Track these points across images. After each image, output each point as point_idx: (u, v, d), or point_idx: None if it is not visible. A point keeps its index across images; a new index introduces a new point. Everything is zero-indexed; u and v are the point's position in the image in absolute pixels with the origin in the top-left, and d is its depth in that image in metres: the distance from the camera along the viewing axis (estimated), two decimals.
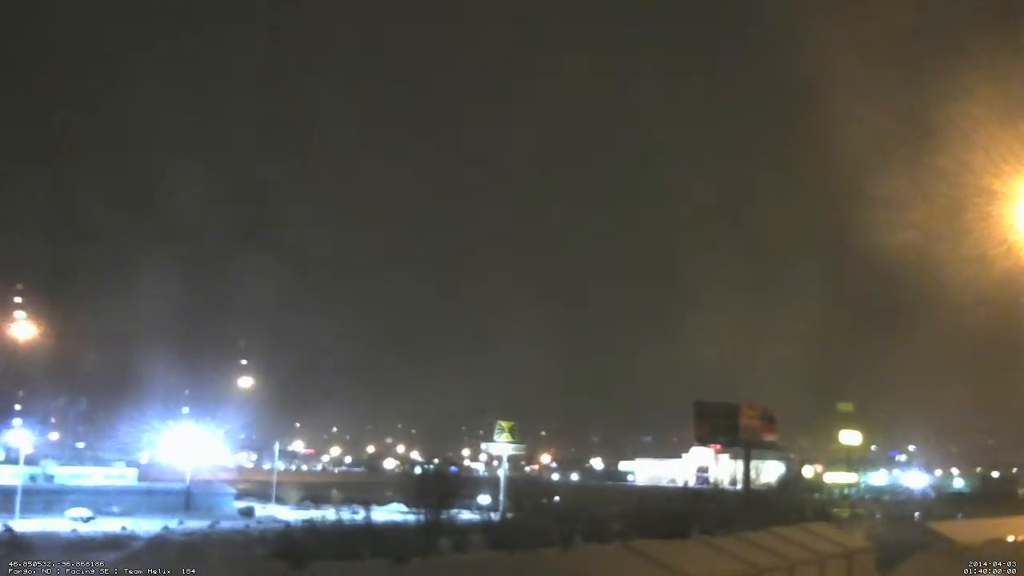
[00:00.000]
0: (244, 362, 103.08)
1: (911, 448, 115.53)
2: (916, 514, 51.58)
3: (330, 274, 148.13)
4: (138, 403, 78.74)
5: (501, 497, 50.91)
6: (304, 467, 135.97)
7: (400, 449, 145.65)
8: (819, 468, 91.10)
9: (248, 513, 57.29)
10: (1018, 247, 23.25)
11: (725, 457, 75.01)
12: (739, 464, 50.29)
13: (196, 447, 71.59)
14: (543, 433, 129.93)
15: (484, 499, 47.73)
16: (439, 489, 20.17)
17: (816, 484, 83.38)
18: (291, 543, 15.67)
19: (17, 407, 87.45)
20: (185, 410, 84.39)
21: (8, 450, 70.69)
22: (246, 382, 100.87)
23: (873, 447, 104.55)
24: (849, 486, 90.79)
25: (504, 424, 70.37)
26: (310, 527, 18.05)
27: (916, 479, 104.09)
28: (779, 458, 63.24)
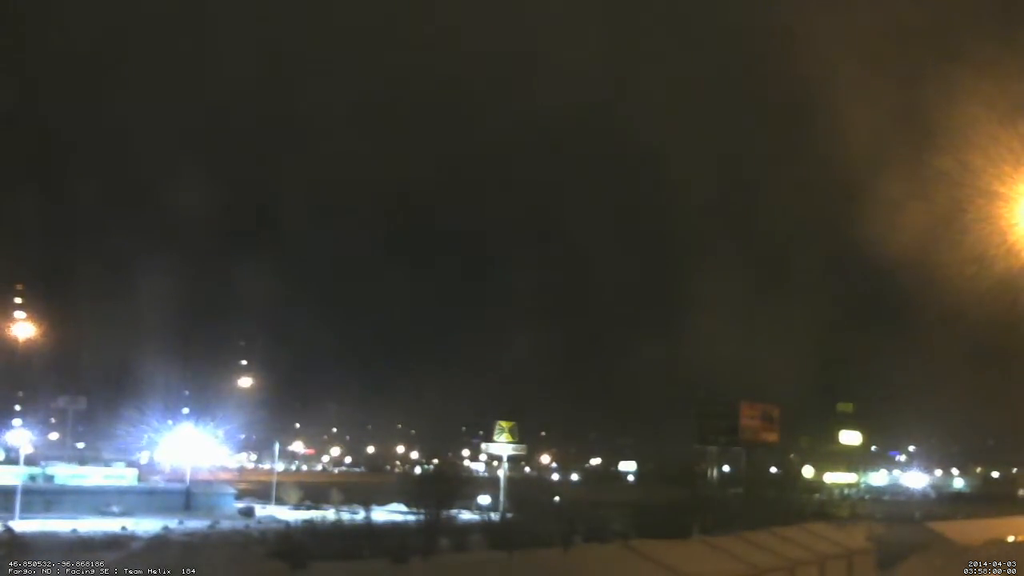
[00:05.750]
0: (244, 362, 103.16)
1: (911, 448, 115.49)
2: (916, 514, 51.55)
3: (330, 274, 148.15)
4: (138, 403, 78.83)
5: (501, 497, 50.93)
6: (304, 467, 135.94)
7: (400, 449, 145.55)
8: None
9: (248, 513, 57.15)
10: (1018, 247, 23.22)
11: None
12: None
13: (196, 447, 71.61)
14: (543, 433, 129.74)
15: (484, 499, 47.74)
16: (439, 489, 20.20)
17: (816, 484, 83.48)
18: (291, 543, 15.73)
19: (17, 407, 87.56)
20: (185, 410, 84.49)
21: (8, 450, 70.71)
22: (246, 382, 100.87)
23: (873, 447, 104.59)
24: (849, 486, 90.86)
25: (504, 424, 70.25)
26: (310, 527, 18.09)
27: (916, 479, 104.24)
28: None
